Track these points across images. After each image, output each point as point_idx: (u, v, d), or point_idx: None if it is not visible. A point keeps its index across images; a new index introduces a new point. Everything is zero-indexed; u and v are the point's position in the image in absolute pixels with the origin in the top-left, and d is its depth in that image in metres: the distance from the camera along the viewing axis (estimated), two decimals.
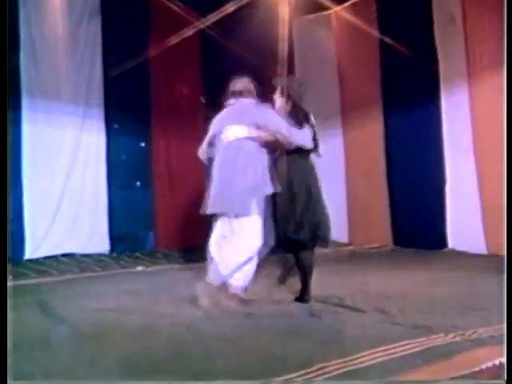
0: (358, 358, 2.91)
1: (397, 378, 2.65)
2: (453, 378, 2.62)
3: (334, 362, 2.84)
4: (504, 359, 2.54)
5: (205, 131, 7.57)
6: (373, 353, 2.97)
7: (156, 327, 3.68)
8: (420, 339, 3.19)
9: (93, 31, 7.03)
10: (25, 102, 6.55)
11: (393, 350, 3.01)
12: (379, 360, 2.89)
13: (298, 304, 4.28)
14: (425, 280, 5.13)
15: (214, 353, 3.10)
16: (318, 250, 7.23)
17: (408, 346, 3.07)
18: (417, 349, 3.05)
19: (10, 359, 2.45)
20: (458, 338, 3.22)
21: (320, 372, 2.72)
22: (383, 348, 3.03)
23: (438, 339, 3.22)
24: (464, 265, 5.82)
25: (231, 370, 2.82)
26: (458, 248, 6.78)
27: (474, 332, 3.28)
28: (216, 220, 4.34)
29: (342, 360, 2.87)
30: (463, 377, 2.64)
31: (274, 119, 4.31)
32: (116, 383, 2.62)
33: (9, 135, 3.09)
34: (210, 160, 4.52)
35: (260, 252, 4.27)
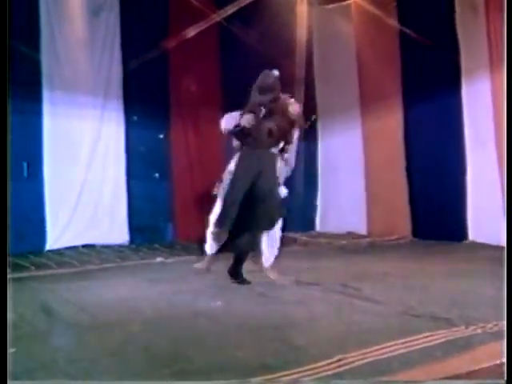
0: (378, 349, 2.89)
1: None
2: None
3: (353, 354, 2.83)
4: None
5: None
6: (392, 345, 2.96)
7: (175, 317, 3.71)
8: (440, 331, 3.17)
9: (112, 24, 7.05)
10: (45, 95, 6.62)
11: (412, 342, 3.00)
12: (399, 352, 2.88)
13: (315, 292, 4.31)
14: (445, 272, 5.10)
15: (232, 343, 3.12)
16: (337, 242, 7.29)
17: (428, 339, 3.05)
18: (437, 341, 3.02)
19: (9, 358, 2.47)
20: (478, 331, 3.19)
21: (339, 363, 2.72)
22: (403, 340, 3.02)
23: (459, 332, 3.19)
24: (485, 257, 5.76)
25: (248, 360, 2.83)
26: (479, 240, 6.71)
27: (496, 325, 3.24)
28: None
29: (361, 351, 2.86)
30: (482, 370, 2.62)
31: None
32: (116, 383, 2.64)
33: (9, 135, 3.10)
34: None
35: None
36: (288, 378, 2.58)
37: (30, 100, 6.43)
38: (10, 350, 2.64)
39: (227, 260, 4.76)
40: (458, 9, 6.78)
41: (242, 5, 7.02)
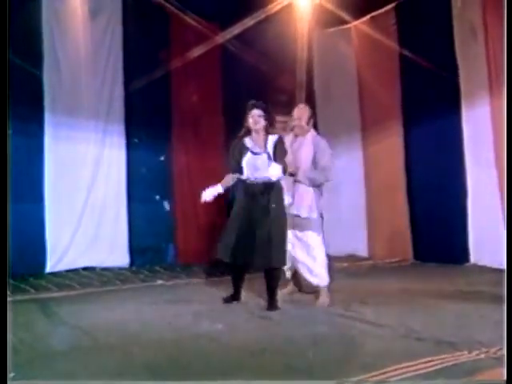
0: (381, 373, 2.87)
1: None
2: None
3: (356, 378, 2.81)
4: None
5: (224, 144, 7.72)
6: (396, 369, 2.93)
7: (176, 339, 3.68)
8: (443, 356, 3.14)
9: (115, 47, 7.10)
10: (47, 118, 6.63)
11: (416, 367, 2.97)
12: (402, 376, 2.85)
13: (317, 315, 4.28)
14: (447, 295, 5.07)
15: (235, 364, 3.09)
16: (338, 264, 7.25)
17: (431, 363, 3.02)
18: (440, 366, 3.00)
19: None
20: (482, 356, 3.16)
21: None
22: (406, 364, 2.99)
23: (462, 356, 3.16)
24: (487, 280, 5.73)
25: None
26: (481, 263, 6.68)
27: (499, 349, 3.21)
28: None
29: (363, 375, 2.83)
30: None
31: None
32: (116, 383, 2.62)
33: (9, 145, 3.12)
34: None
35: None
36: None
37: (31, 122, 6.46)
38: (10, 375, 2.62)
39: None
40: (457, 31, 6.84)
41: (245, 27, 7.09)
